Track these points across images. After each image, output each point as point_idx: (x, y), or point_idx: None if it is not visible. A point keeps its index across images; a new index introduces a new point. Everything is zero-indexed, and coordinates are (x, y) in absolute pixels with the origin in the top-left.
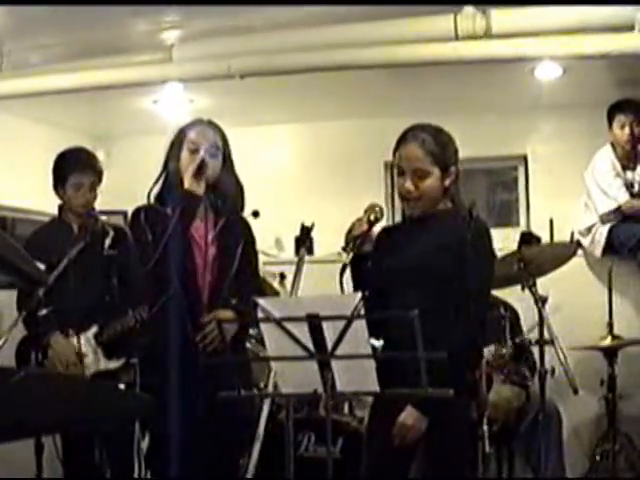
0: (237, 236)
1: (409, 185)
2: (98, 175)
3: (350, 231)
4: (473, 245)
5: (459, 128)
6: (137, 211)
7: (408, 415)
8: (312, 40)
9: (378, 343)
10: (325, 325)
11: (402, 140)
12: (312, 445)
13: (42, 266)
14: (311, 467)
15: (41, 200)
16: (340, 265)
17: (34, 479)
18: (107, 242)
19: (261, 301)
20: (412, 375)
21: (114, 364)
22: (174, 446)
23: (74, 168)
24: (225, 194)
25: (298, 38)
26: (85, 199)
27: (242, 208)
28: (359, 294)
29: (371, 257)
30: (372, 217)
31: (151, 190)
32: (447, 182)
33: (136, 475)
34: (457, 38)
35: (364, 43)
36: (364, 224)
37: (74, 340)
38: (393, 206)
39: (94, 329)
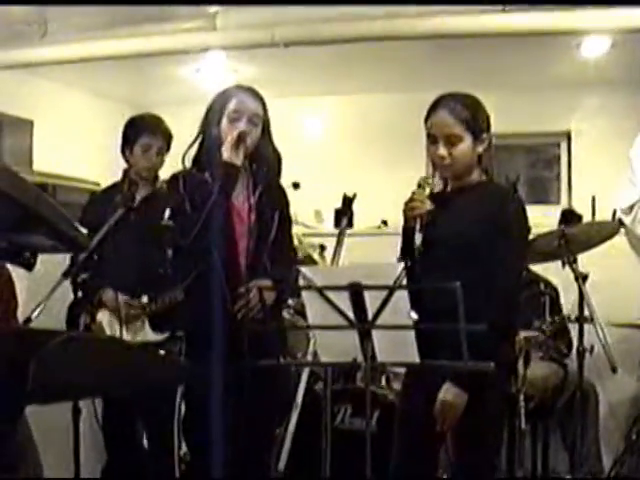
0: (274, 204)
1: (442, 151)
2: (167, 141)
3: (412, 208)
4: (508, 219)
5: (502, 103)
6: (175, 178)
7: (447, 391)
8: (357, 10)
9: (413, 316)
10: (367, 294)
11: (433, 108)
12: (348, 417)
13: (84, 230)
14: (346, 439)
15: (81, 167)
16: (380, 238)
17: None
18: (167, 212)
19: (303, 269)
20: (448, 348)
21: (160, 336)
22: (210, 415)
23: (144, 130)
24: (263, 162)
25: (343, 7)
26: (151, 162)
27: (279, 176)
28: (402, 264)
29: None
30: (428, 191)
31: (186, 153)
32: (480, 149)
33: (176, 444)
34: (504, 10)
35: (410, 14)
36: (427, 201)
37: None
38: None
39: (144, 299)
